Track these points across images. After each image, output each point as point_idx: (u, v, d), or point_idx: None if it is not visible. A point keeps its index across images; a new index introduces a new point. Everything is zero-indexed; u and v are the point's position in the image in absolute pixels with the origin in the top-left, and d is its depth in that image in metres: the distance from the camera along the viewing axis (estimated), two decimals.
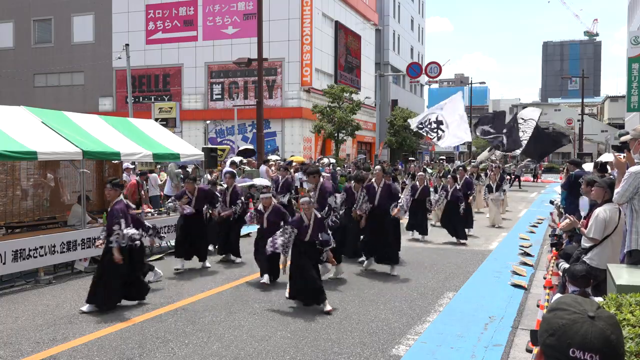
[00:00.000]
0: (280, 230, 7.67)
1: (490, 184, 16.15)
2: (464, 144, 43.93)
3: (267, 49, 30.72)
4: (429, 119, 23.93)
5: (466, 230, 14.26)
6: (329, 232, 7.91)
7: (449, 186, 13.68)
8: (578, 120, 56.65)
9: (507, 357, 5.83)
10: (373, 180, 10.29)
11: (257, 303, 7.81)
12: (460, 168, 16.05)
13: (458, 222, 13.43)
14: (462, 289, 8.79)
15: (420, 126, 24.36)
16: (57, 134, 9.81)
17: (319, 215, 7.76)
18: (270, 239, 7.59)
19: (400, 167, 27.46)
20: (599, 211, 5.82)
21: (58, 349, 5.92)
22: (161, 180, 16.46)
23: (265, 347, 6.03)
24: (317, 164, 25.11)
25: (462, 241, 13.20)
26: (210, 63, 39.86)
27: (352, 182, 10.38)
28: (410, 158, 36.44)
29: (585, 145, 55.66)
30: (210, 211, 10.80)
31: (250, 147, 24.11)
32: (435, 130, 23.64)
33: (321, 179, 9.89)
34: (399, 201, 9.98)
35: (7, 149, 8.45)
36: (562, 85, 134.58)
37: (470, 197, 14.56)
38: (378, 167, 10.55)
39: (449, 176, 14.35)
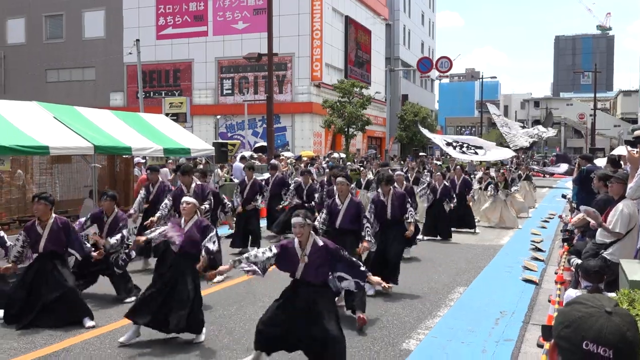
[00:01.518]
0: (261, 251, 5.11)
1: (498, 183, 15.85)
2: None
3: (277, 44, 30.69)
4: (461, 142, 22.30)
5: (473, 230, 13.99)
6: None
7: (437, 184, 13.18)
8: (590, 115, 56.25)
9: (518, 352, 5.81)
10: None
11: (267, 297, 7.81)
12: (459, 167, 15.91)
13: (444, 220, 13.01)
14: (473, 283, 8.77)
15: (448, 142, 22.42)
16: (69, 129, 9.88)
17: (321, 243, 5.04)
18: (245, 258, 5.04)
19: (409, 160, 27.20)
20: (623, 206, 5.75)
21: (71, 342, 5.98)
22: (171, 175, 16.49)
23: None
24: (327, 158, 25.10)
25: (447, 239, 12.85)
26: (221, 58, 39.92)
27: (380, 186, 8.54)
28: (420, 153, 36.35)
29: (598, 140, 55.28)
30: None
31: (264, 143, 24.11)
32: (471, 150, 21.98)
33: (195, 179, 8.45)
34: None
35: (20, 143, 8.53)
36: (574, 79, 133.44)
37: (470, 196, 14.21)
38: (341, 179, 7.55)
39: (438, 173, 13.86)
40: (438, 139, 22.84)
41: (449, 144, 21.18)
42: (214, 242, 6.05)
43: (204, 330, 6.02)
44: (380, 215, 8.16)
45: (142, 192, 9.81)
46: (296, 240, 5.03)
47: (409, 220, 8.19)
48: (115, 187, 12.53)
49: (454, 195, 13.28)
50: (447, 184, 13.37)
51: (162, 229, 6.27)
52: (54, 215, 6.90)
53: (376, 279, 5.16)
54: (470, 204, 14.56)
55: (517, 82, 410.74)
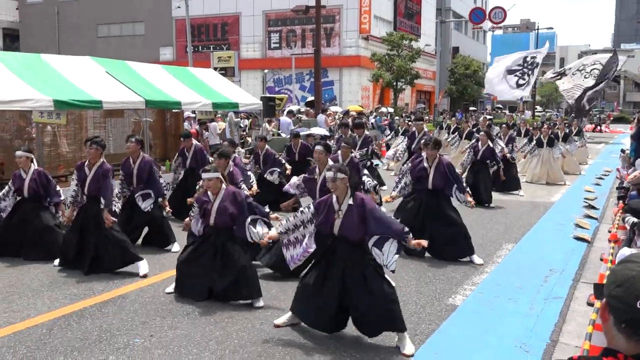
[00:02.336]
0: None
1: (541, 139, 15.19)
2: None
3: None
4: (526, 58, 21.39)
5: (517, 192, 13.01)
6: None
7: (480, 144, 11.89)
8: None
9: (567, 309, 5.73)
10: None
11: None
12: (504, 125, 15.31)
13: (487, 183, 11.81)
14: (521, 241, 8.65)
15: (516, 67, 21.42)
16: (121, 83, 10.07)
17: (360, 197, 4.87)
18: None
19: (459, 116, 26.49)
20: None
21: (127, 289, 6.24)
22: (220, 129, 16.73)
23: None
24: (374, 113, 24.87)
25: (486, 204, 11.54)
26: (268, 11, 39.58)
27: (425, 148, 7.70)
28: (471, 108, 35.53)
29: None
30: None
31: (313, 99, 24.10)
32: (529, 72, 21.24)
33: (231, 164, 7.21)
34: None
35: (75, 98, 8.76)
36: (637, 30, 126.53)
37: (509, 154, 13.05)
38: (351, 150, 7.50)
39: (482, 133, 12.39)
40: (496, 83, 21.86)
41: (510, 72, 20.48)
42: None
43: (260, 299, 5.75)
44: (420, 182, 7.59)
45: (177, 159, 10.12)
46: (334, 196, 4.90)
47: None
48: (166, 141, 12.81)
49: (497, 158, 12.04)
50: (490, 144, 12.00)
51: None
52: (102, 159, 7.07)
53: (417, 241, 4.90)
54: (517, 160, 13.95)
55: (574, 32, 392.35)
